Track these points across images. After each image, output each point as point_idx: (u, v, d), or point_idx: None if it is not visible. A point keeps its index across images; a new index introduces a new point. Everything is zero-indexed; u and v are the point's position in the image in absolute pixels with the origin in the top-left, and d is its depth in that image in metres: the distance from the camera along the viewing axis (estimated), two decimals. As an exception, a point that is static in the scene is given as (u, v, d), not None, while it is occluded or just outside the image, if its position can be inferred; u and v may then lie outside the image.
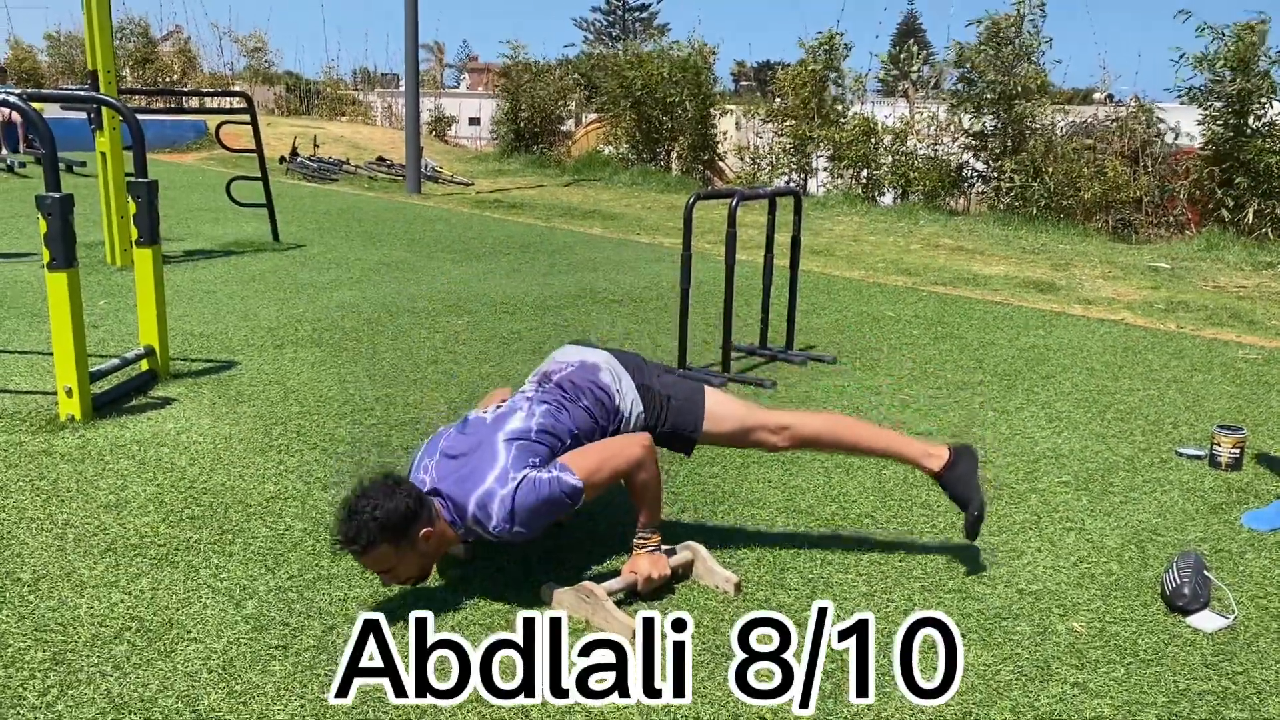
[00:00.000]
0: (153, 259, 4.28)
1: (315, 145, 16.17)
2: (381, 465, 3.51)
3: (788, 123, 14.11)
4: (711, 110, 15.39)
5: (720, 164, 15.96)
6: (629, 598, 2.64)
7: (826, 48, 13.65)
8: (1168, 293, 7.55)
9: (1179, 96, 10.71)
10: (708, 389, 2.93)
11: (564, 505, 2.53)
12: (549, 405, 2.72)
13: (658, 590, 2.68)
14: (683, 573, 2.77)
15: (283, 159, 14.67)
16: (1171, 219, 11.42)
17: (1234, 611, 2.65)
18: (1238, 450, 3.69)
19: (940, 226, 11.17)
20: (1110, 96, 15.69)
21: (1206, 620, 2.61)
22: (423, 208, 11.53)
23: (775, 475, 3.56)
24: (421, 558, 2.51)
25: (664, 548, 2.75)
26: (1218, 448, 3.71)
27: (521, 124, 18.26)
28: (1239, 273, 8.73)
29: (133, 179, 4.25)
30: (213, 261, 7.38)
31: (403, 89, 29.80)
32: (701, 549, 2.78)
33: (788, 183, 14.37)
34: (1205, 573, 2.71)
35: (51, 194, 3.64)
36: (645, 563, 2.65)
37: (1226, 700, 2.27)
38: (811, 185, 14.39)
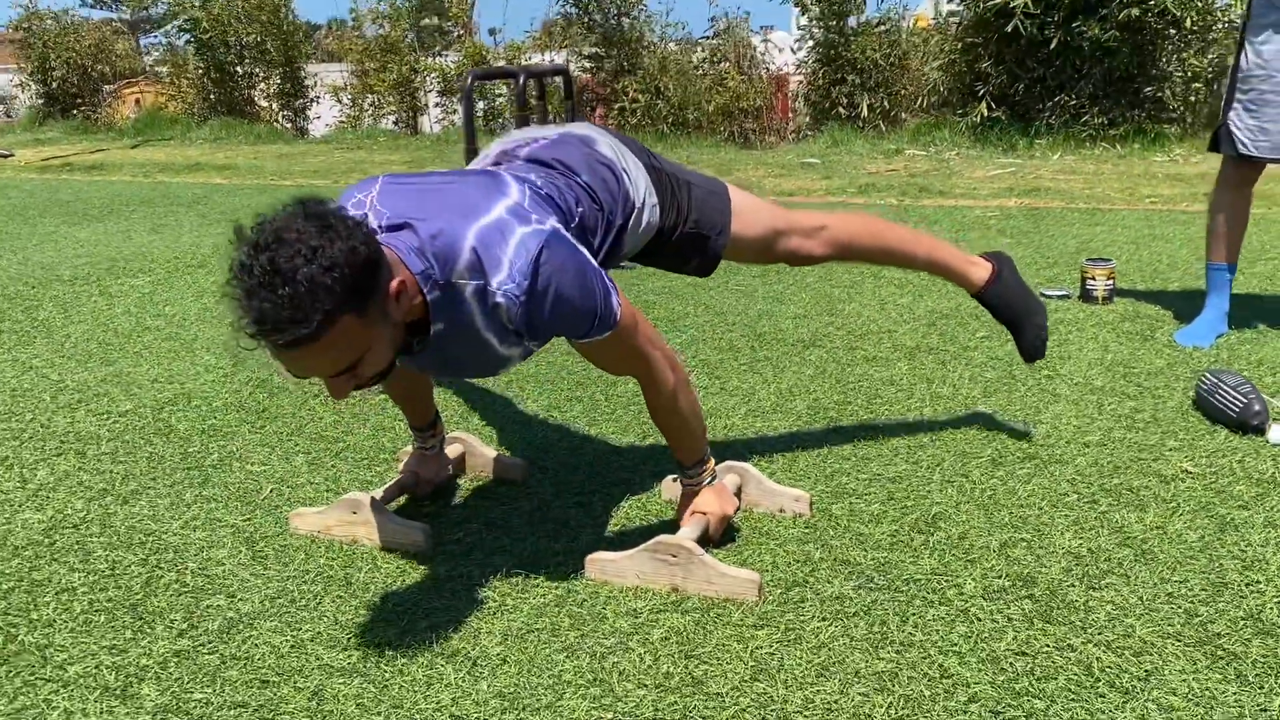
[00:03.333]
0: None
1: None
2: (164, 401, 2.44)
3: (386, 59, 13.05)
4: (297, 52, 13.88)
5: (307, 111, 14.48)
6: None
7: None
8: (842, 180, 7.71)
9: (782, 1, 11.10)
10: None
11: (600, 311, 1.63)
12: (535, 174, 1.80)
13: (725, 531, 1.98)
14: (732, 505, 2.08)
15: None
16: (780, 127, 11.94)
17: (1289, 421, 2.45)
18: (1111, 281, 3.59)
19: (576, 150, 10.83)
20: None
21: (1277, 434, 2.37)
22: (-31, 181, 9.24)
23: (702, 379, 2.92)
24: (395, 330, 1.52)
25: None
26: (1092, 282, 3.60)
27: (54, 84, 15.46)
28: (875, 161, 9.19)
29: None
30: None
31: None
32: (750, 468, 2.11)
33: (395, 123, 13.36)
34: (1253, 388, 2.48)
35: None
36: (712, 497, 1.94)
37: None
38: (425, 123, 13.48)
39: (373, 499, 1.99)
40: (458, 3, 13.50)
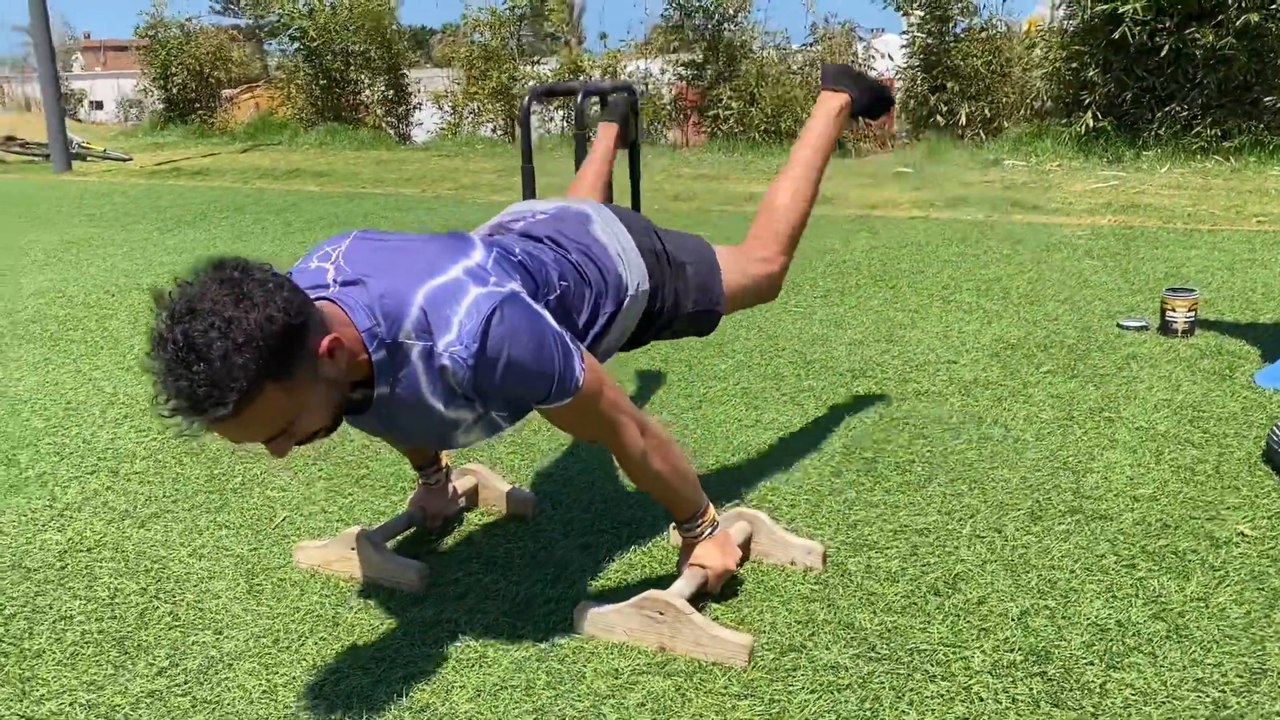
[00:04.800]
0: None
1: (-84, 130, 13.35)
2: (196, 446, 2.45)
3: (487, 65, 13.20)
4: (401, 59, 14.15)
5: (410, 118, 14.72)
6: (695, 603, 1.83)
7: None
8: (934, 192, 7.47)
9: (885, 7, 10.86)
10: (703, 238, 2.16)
11: (559, 375, 1.54)
12: (518, 245, 1.75)
13: (728, 583, 1.89)
14: (741, 553, 1.99)
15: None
16: (878, 134, 11.68)
17: (1369, 480, 2.24)
18: (1193, 313, 3.37)
19: (669, 159, 10.75)
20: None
21: (1355, 494, 2.17)
22: (85, 184, 9.63)
23: (740, 411, 2.82)
24: (330, 388, 1.44)
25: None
26: (1171, 313, 3.38)
27: (174, 91, 16.07)
28: (972, 171, 8.90)
29: None
30: None
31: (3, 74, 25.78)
32: (763, 516, 2.01)
33: (493, 131, 13.51)
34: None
35: None
36: (712, 550, 1.84)
37: None
38: (519, 130, 13.59)
39: (368, 535, 1.96)
40: (558, 11, 13.58)
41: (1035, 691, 1.57)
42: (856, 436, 2.62)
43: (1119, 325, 3.52)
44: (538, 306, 1.59)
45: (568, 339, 1.59)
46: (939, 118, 10.68)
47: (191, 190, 8.73)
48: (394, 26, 13.98)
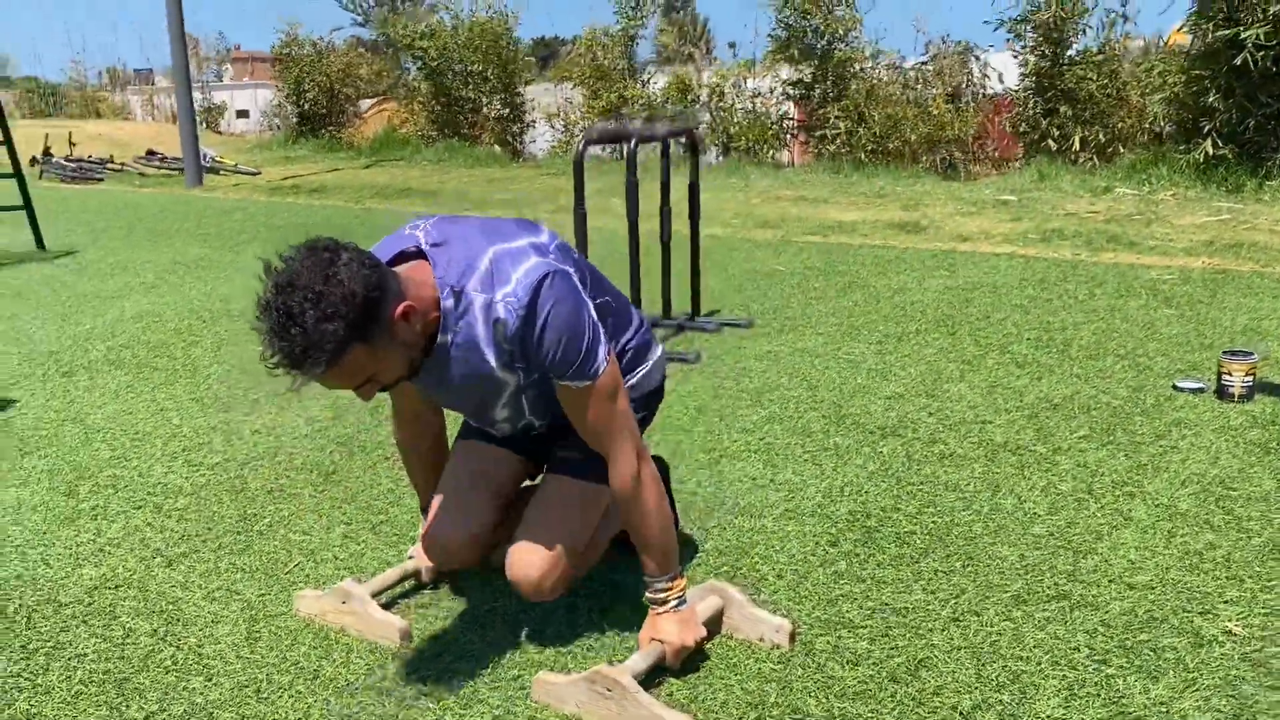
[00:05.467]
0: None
1: (71, 144, 14.29)
2: (239, 479, 2.61)
3: (598, 84, 13.40)
4: (517, 79, 14.47)
5: (524, 136, 15.01)
6: (653, 677, 1.88)
7: (634, 3, 13.01)
8: (1031, 223, 7.29)
9: (997, 29, 10.62)
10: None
11: (586, 350, 1.76)
12: (578, 255, 1.99)
13: (691, 658, 1.93)
14: (710, 627, 2.03)
15: (34, 160, 12.82)
16: (994, 154, 11.43)
17: (1388, 578, 2.14)
18: (1250, 378, 3.25)
19: (772, 180, 10.74)
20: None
21: (1366, 594, 2.08)
22: (210, 200, 10.18)
23: (756, 468, 2.85)
24: (406, 348, 1.71)
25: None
26: (1228, 377, 3.26)
27: (306, 106, 16.79)
28: (1080, 199, 8.63)
29: None
30: (-39, 279, 6.03)
31: (159, 85, 27.33)
32: (733, 591, 2.04)
33: (603, 149, 13.71)
34: (1344, 534, 2.19)
35: None
36: (673, 625, 1.89)
37: None
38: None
39: (353, 591, 2.07)
40: (668, 31, 13.69)
41: (960, 795, 1.57)
42: (865, 502, 2.62)
43: (1174, 386, 3.41)
44: (583, 292, 1.80)
45: (600, 330, 1.80)
46: (1051, 141, 10.39)
47: (305, 209, 9.14)
48: (510, 46, 14.28)
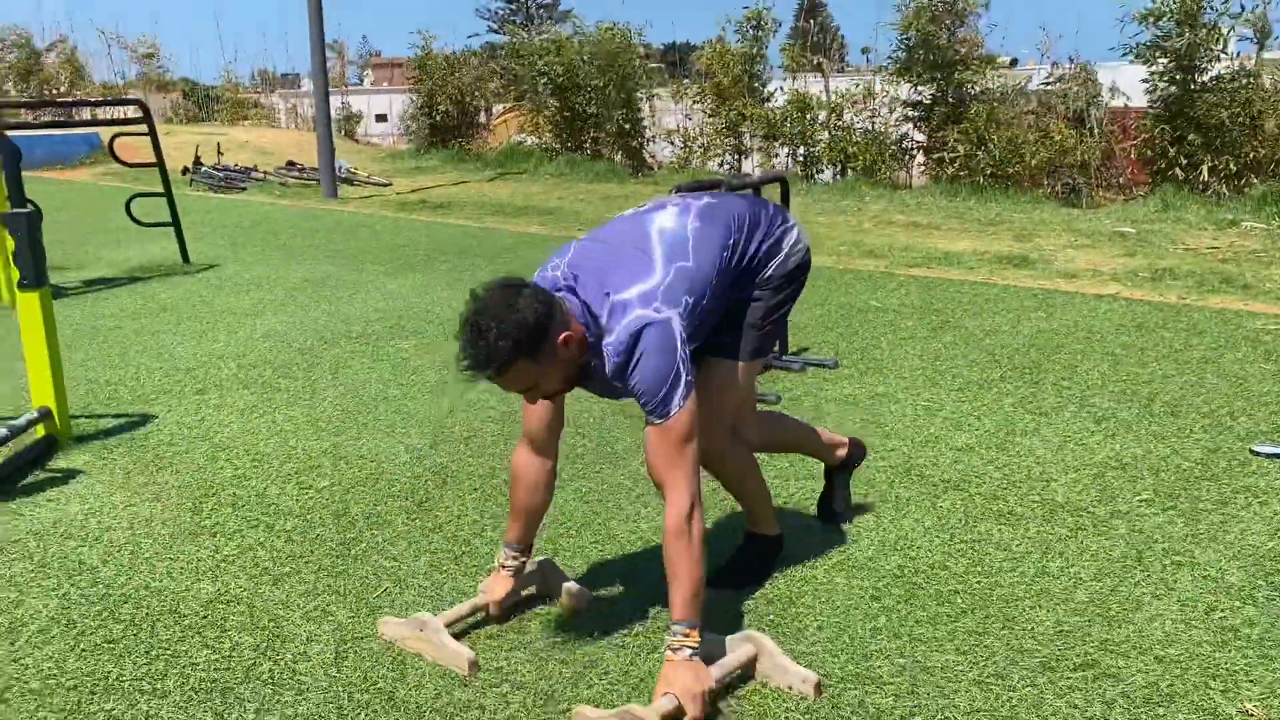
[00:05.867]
0: (40, 304, 3.56)
1: (219, 153, 15.18)
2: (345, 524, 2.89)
3: (718, 102, 13.58)
4: (637, 94, 14.75)
5: (644, 151, 15.27)
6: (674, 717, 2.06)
7: (755, 24, 13.15)
8: (1145, 259, 7.18)
9: (1124, 55, 10.41)
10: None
11: (662, 398, 2.13)
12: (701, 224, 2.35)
13: (713, 701, 2.11)
14: (744, 673, 2.20)
15: (185, 170, 13.69)
16: (1121, 180, 11.17)
17: None
18: (1328, 447, 3.24)
19: (887, 202, 10.74)
20: (1014, 61, 15.40)
21: (1396, 683, 2.12)
22: (342, 214, 10.74)
23: (808, 518, 3.01)
24: (564, 366, 2.19)
25: (718, 637, 2.20)
26: (1305, 445, 3.26)
27: (438, 118, 17.44)
28: (1203, 233, 8.43)
29: (10, 211, 3.53)
30: (115, 291, 6.59)
31: (304, 88, 28.61)
32: (767, 641, 2.21)
33: (720, 165, 13.89)
34: (1381, 621, 2.23)
35: None
36: (683, 674, 2.06)
37: None
38: (746, 166, 13.89)
39: (428, 621, 2.31)
40: (790, 50, 13.77)
41: None
42: (915, 557, 2.75)
43: (1251, 450, 3.42)
44: (679, 334, 2.14)
45: (685, 379, 2.13)
46: (1178, 170, 10.13)
47: (428, 227, 9.57)
48: (630, 61, 14.53)
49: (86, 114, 13.60)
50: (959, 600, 2.52)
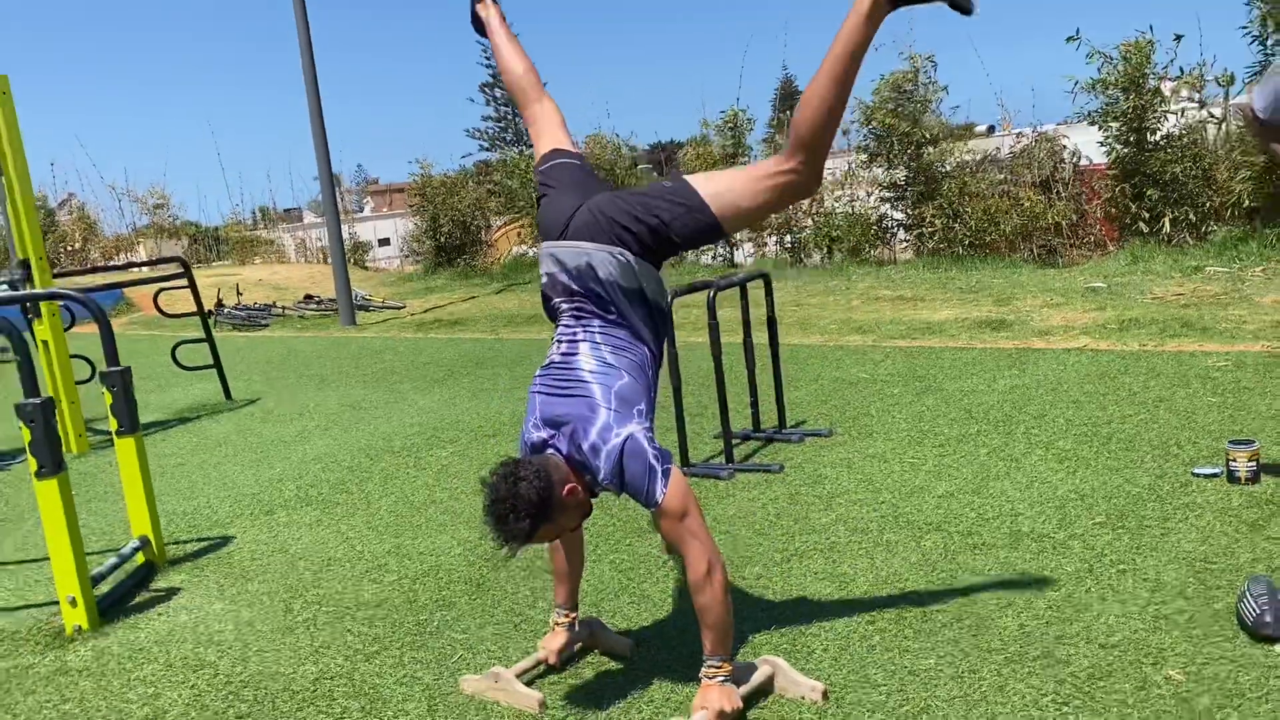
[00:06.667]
0: (136, 447, 4.13)
1: (239, 293, 15.97)
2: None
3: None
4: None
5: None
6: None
7: (732, 125, 13.97)
8: (1114, 312, 7.74)
9: (1077, 122, 11.13)
10: (687, 177, 2.68)
11: (648, 489, 2.51)
12: (598, 334, 2.66)
13: (741, 714, 2.60)
14: (765, 689, 2.70)
15: (210, 313, 14.42)
16: (1092, 238, 11.80)
17: (1315, 630, 2.66)
18: (1254, 463, 3.75)
19: (874, 279, 11.36)
20: (991, 128, 16.31)
21: (1293, 644, 2.61)
22: (363, 340, 11.40)
23: (819, 564, 3.51)
24: (576, 508, 2.61)
25: (742, 663, 2.70)
26: (1234, 463, 3.77)
27: (442, 239, 18.28)
28: (1170, 281, 9.00)
29: (106, 370, 4.12)
30: (170, 432, 7.18)
31: (306, 220, 29.56)
32: (780, 661, 2.72)
33: (714, 258, 14.59)
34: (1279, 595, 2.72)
35: (31, 399, 3.51)
36: (716, 696, 2.56)
37: (1347, 726, 2.27)
38: (738, 256, 14.59)
39: (501, 673, 2.82)
40: (783, 129, 14.55)
41: (933, 799, 2.19)
42: (904, 587, 3.25)
43: (1193, 473, 3.93)
44: (644, 440, 2.53)
45: (660, 470, 2.50)
46: (1142, 224, 10.77)
47: (447, 344, 10.20)
48: (620, 167, 15.36)
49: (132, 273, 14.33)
50: (939, 617, 3.02)
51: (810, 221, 13.52)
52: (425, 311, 13.41)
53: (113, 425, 4.16)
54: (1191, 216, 10.44)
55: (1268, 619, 2.65)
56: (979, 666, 2.71)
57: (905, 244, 13.03)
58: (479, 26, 3.20)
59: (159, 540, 4.26)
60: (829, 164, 13.28)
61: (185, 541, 4.57)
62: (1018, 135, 12.66)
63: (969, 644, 2.84)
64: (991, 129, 16.30)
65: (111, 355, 4.17)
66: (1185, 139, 10.50)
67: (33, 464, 3.56)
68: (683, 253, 2.77)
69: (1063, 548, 3.40)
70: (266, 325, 14.02)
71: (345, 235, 21.16)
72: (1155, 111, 10.56)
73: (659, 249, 2.67)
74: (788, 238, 13.71)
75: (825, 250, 13.37)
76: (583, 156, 2.99)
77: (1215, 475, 3.86)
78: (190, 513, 5.03)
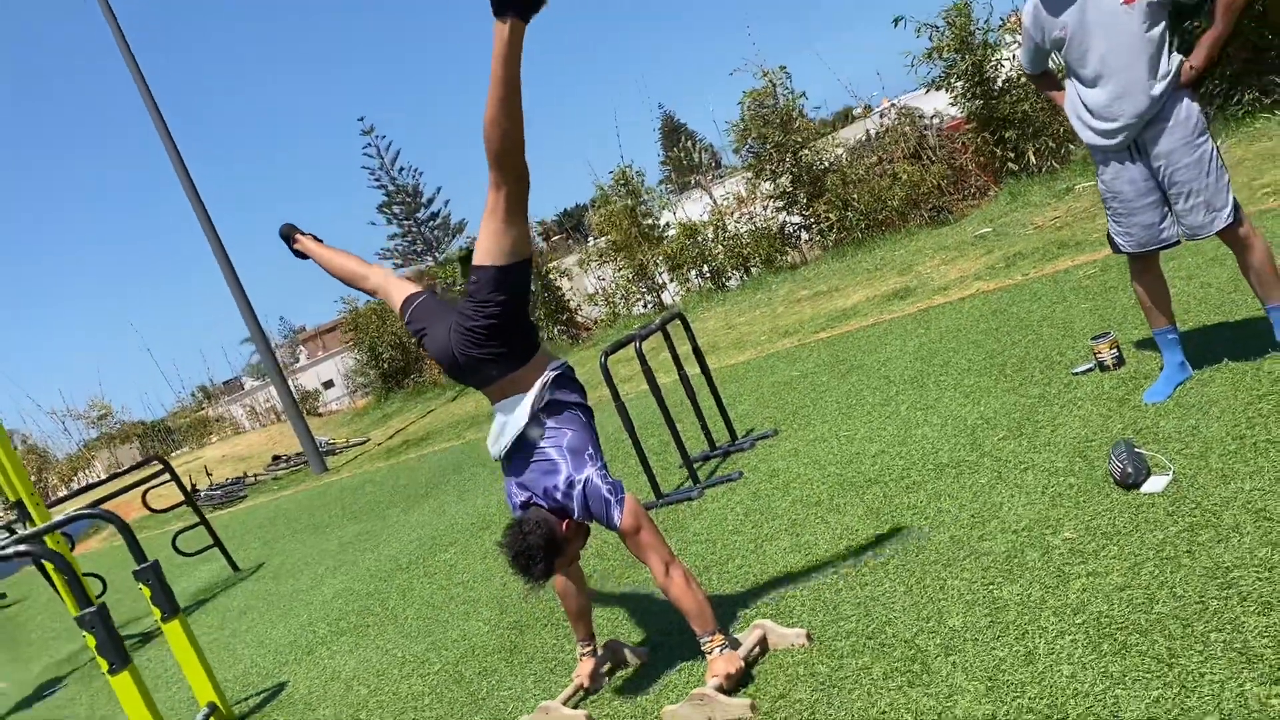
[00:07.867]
0: (182, 625, 4.62)
1: (208, 474, 16.32)
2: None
3: (621, 255, 15.03)
4: (549, 276, 16.21)
5: (576, 319, 16.67)
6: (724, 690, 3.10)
7: (623, 182, 14.73)
8: (1000, 252, 8.46)
9: (927, 91, 11.98)
10: (474, 262, 3.12)
11: (608, 515, 3.11)
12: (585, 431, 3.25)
13: (746, 670, 3.16)
14: (761, 649, 3.26)
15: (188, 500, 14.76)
16: (974, 188, 12.62)
17: (1170, 468, 3.29)
18: (1115, 350, 4.40)
19: (792, 283, 12.06)
20: (868, 107, 17.31)
21: (1154, 484, 3.23)
22: (341, 481, 11.86)
23: (786, 541, 4.09)
24: (577, 535, 3.23)
25: (734, 636, 3.26)
26: (1099, 355, 4.42)
27: (385, 365, 18.78)
28: (1047, 208, 9.77)
29: (138, 568, 4.62)
30: (194, 615, 7.61)
31: (247, 388, 29.78)
32: (768, 622, 3.29)
33: (644, 305, 15.25)
34: (1137, 450, 3.35)
35: (87, 609, 4.01)
36: (720, 663, 3.11)
37: (1195, 529, 2.88)
38: (665, 298, 15.26)
39: (549, 706, 3.35)
40: (676, 165, 15.29)
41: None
42: (855, 538, 3.84)
43: (1072, 373, 4.57)
44: (599, 480, 3.12)
45: (613, 499, 3.11)
46: (1011, 164, 11.60)
47: (420, 461, 10.70)
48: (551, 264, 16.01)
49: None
50: (887, 551, 3.60)
51: (720, 248, 14.24)
52: (390, 438, 13.89)
53: (156, 615, 4.65)
54: (1051, 144, 11.27)
55: (1129, 469, 3.27)
56: (923, 577, 3.30)
57: (810, 242, 13.78)
58: (298, 254, 3.91)
59: (225, 703, 4.73)
60: (719, 191, 13.98)
61: (246, 699, 5.04)
62: (880, 115, 13.53)
63: (914, 563, 3.42)
64: (868, 107, 17.26)
65: (139, 555, 4.67)
66: (1023, 78, 11.36)
67: (103, 664, 4.05)
68: (529, 296, 3.21)
69: (976, 465, 4.01)
70: (244, 496, 14.40)
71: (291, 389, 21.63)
72: (990, 62, 11.43)
73: (513, 322, 3.13)
74: (704, 268, 14.41)
75: (742, 270, 14.09)
76: (430, 288, 3.66)
77: (1090, 370, 4.51)
78: (240, 675, 5.49)
